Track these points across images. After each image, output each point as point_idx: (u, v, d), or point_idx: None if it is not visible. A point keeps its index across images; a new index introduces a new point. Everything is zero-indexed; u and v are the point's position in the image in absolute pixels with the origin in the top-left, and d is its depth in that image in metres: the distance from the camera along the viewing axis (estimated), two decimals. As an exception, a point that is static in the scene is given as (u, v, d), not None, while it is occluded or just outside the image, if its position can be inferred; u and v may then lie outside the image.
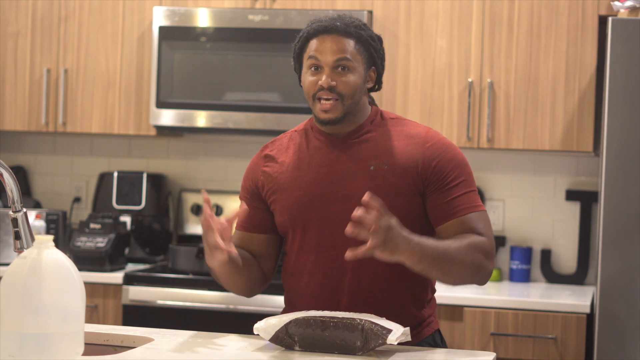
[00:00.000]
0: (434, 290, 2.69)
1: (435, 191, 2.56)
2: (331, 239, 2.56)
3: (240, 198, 2.73)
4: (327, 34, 2.56)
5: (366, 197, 2.30)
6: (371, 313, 2.48)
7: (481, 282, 2.56)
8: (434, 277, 2.53)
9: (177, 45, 4.38)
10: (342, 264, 2.54)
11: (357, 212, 2.29)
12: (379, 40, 2.64)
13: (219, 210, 4.62)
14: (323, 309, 2.56)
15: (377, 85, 2.67)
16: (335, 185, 2.58)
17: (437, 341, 2.67)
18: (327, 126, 2.59)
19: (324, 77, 2.54)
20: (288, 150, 2.66)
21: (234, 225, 2.64)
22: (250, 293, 2.69)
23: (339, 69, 2.55)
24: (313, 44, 2.57)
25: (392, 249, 2.32)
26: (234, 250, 2.49)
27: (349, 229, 2.31)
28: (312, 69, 2.57)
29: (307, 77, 2.58)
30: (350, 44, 2.56)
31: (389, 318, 2.46)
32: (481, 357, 2.50)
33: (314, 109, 2.58)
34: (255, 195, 2.68)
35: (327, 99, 2.55)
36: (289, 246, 2.66)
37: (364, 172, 2.57)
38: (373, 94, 2.79)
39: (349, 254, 2.32)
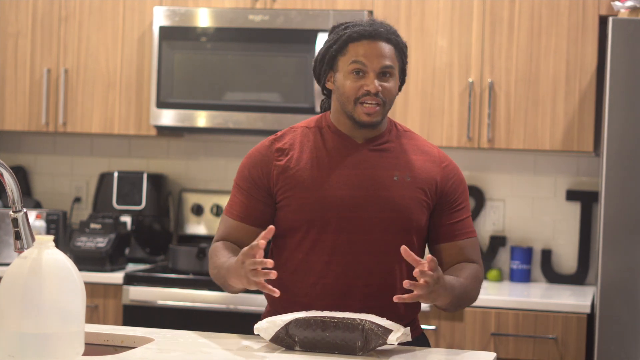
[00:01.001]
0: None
1: (443, 211, 2.64)
2: (348, 243, 2.57)
3: (237, 185, 2.67)
4: (372, 40, 2.58)
5: (405, 253, 2.39)
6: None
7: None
8: (446, 310, 2.61)
9: (178, 45, 4.38)
10: (356, 269, 2.57)
11: (417, 270, 2.38)
12: (406, 47, 2.67)
13: (219, 210, 4.62)
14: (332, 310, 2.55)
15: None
16: (356, 190, 2.58)
17: (423, 344, 2.71)
18: (364, 129, 2.61)
19: (372, 83, 2.56)
20: (302, 147, 2.64)
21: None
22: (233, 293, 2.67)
23: (382, 75, 2.58)
24: (356, 48, 2.58)
25: (434, 298, 2.44)
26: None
27: (406, 283, 2.38)
28: (355, 73, 2.58)
29: (349, 82, 2.58)
30: (392, 50, 2.60)
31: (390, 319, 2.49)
32: (482, 357, 2.50)
33: (354, 111, 2.58)
34: (261, 187, 2.63)
35: (371, 104, 2.56)
36: (295, 243, 2.62)
37: (388, 181, 2.59)
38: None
39: (396, 299, 2.39)
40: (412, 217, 2.59)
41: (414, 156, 2.64)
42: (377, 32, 2.58)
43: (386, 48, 2.58)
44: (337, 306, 2.56)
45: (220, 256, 2.59)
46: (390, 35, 2.59)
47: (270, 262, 2.37)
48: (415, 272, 2.39)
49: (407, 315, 2.65)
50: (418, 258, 2.41)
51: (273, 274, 2.36)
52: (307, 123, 2.70)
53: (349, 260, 2.56)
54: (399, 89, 2.67)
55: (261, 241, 2.38)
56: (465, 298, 2.60)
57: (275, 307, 2.67)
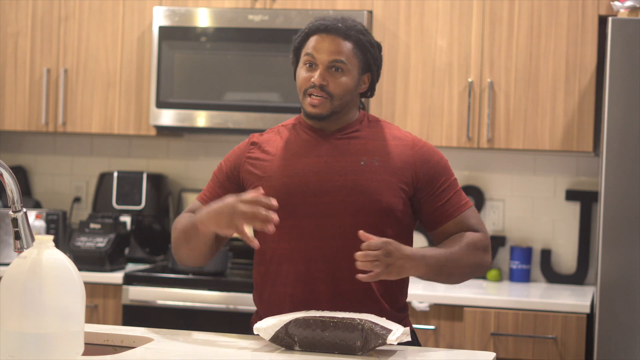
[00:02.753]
0: (406, 294, 2.73)
1: (428, 196, 2.64)
2: (316, 228, 2.58)
3: (213, 175, 2.76)
4: (327, 34, 2.62)
5: (362, 236, 2.45)
6: (348, 301, 2.53)
7: (481, 275, 2.72)
8: (440, 282, 2.64)
9: (177, 45, 4.38)
10: (325, 253, 2.58)
11: (358, 253, 2.43)
12: (378, 47, 2.68)
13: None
14: (303, 298, 2.57)
15: (370, 92, 2.70)
16: (323, 175, 2.60)
17: (413, 339, 2.69)
18: (314, 120, 2.65)
19: (316, 75, 2.59)
20: (276, 142, 2.69)
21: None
22: (193, 263, 2.69)
23: (333, 69, 2.61)
24: (312, 41, 2.63)
25: (398, 271, 2.47)
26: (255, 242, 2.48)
27: (359, 264, 2.43)
28: (307, 65, 2.63)
29: (301, 72, 2.64)
30: (347, 46, 2.61)
31: (365, 308, 2.53)
32: (481, 357, 2.50)
33: (303, 102, 2.63)
34: (232, 179, 2.70)
35: (316, 96, 2.60)
36: (268, 233, 2.64)
37: (355, 166, 2.61)
38: (374, 97, 2.79)
39: (361, 277, 2.44)
40: (382, 199, 2.58)
41: (385, 142, 2.65)
42: (335, 27, 2.60)
43: (341, 43, 2.60)
44: (309, 292, 2.57)
45: (190, 216, 2.66)
46: (349, 32, 2.61)
47: (275, 204, 2.41)
48: (357, 255, 2.43)
49: (387, 305, 2.62)
50: (371, 237, 2.45)
51: (255, 244, 2.45)
52: (286, 122, 2.76)
53: (318, 245, 2.57)
54: (371, 88, 2.69)
55: (273, 200, 2.43)
56: (457, 266, 2.58)
57: (261, 301, 2.67)
